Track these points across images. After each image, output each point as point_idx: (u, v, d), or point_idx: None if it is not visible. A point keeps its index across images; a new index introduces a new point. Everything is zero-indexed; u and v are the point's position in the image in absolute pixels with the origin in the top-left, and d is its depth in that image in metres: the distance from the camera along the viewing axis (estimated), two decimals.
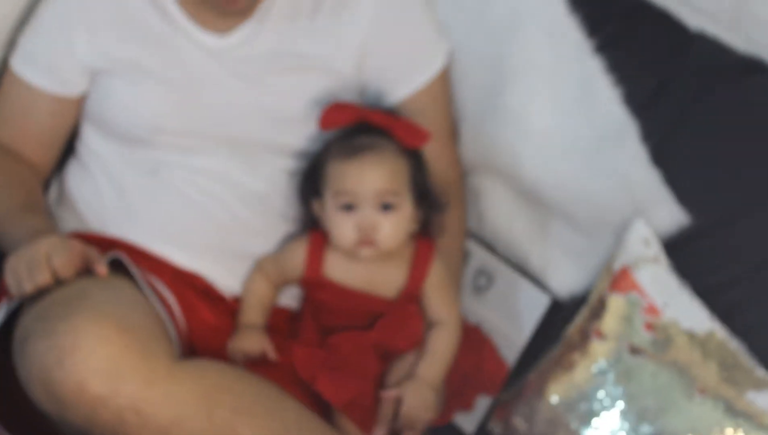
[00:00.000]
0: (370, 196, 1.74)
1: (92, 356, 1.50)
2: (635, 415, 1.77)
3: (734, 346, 1.76)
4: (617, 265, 1.83)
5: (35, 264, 1.62)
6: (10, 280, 1.64)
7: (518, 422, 1.86)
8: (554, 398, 1.82)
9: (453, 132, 1.98)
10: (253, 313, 1.84)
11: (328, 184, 1.77)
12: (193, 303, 1.81)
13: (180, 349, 1.70)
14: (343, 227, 1.76)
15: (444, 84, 1.95)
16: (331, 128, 1.79)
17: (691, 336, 1.77)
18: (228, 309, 1.85)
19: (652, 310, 1.79)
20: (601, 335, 1.81)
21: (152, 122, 1.82)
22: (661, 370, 1.77)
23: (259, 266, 1.85)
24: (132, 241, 1.82)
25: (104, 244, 1.76)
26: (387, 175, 1.75)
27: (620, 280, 1.81)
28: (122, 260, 1.72)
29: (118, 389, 1.51)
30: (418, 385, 1.79)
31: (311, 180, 1.81)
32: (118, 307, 1.60)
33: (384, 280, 1.81)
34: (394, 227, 1.76)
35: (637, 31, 1.88)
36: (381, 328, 1.81)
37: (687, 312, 1.78)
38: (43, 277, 1.62)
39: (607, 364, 1.80)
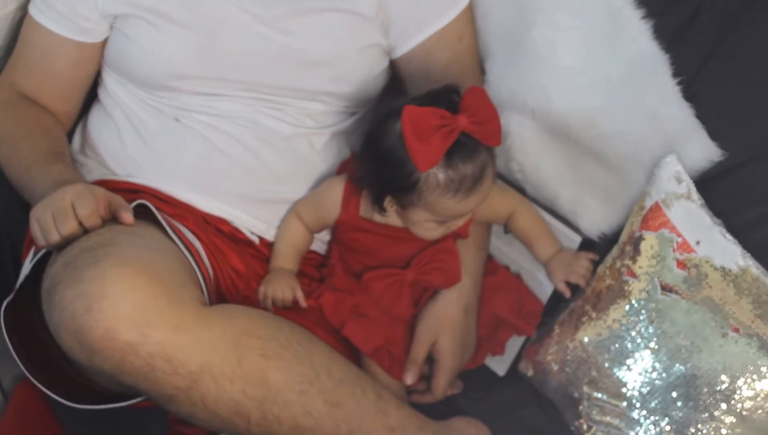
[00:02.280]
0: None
1: (121, 303, 1.50)
2: (668, 354, 1.77)
3: None
4: (648, 203, 1.82)
5: (61, 213, 1.62)
6: (35, 230, 1.64)
7: (550, 363, 1.86)
8: (586, 338, 1.82)
9: (480, 70, 1.96)
10: (286, 259, 1.85)
11: (429, 208, 1.71)
12: (221, 248, 1.81)
13: (208, 295, 1.70)
14: (432, 232, 1.77)
15: (468, 22, 1.93)
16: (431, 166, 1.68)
17: (725, 273, 1.75)
18: (255, 253, 1.86)
19: (684, 247, 1.78)
20: (633, 274, 1.80)
21: (173, 68, 1.81)
22: (694, 308, 1.76)
23: (295, 211, 1.85)
24: (157, 187, 1.82)
25: (129, 191, 1.76)
26: (488, 191, 1.74)
27: (652, 217, 1.80)
28: (148, 206, 1.72)
29: (147, 336, 1.51)
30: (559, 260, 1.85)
31: (395, 186, 1.72)
32: (145, 253, 1.59)
33: None
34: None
35: None
36: (417, 265, 1.81)
37: (720, 249, 1.76)
38: (70, 226, 1.62)
39: (639, 303, 1.79)
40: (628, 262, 1.81)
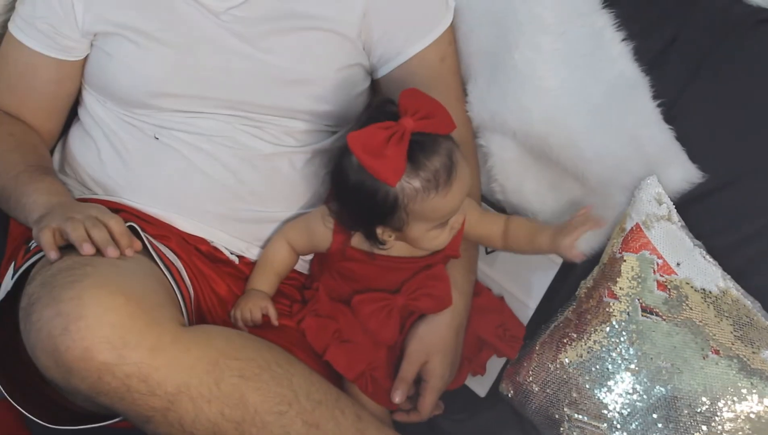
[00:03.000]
0: (462, 204, 1.72)
1: (98, 324, 1.49)
2: (648, 375, 1.76)
3: (749, 304, 1.74)
4: (629, 224, 1.81)
5: (92, 221, 1.61)
6: (47, 239, 1.61)
7: (530, 384, 1.85)
8: (566, 359, 1.81)
9: (461, 92, 1.95)
10: (263, 281, 1.83)
11: (422, 217, 1.67)
12: (202, 270, 1.80)
13: (189, 316, 1.69)
14: (439, 239, 1.72)
15: (450, 43, 1.92)
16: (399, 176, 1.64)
17: (705, 295, 1.75)
18: (235, 272, 1.84)
19: (665, 268, 1.77)
20: (613, 295, 1.79)
21: (152, 86, 1.80)
22: (675, 330, 1.75)
23: (284, 234, 1.83)
24: (137, 206, 1.81)
25: (109, 210, 1.74)
26: (468, 174, 1.70)
27: (633, 239, 1.80)
28: (134, 228, 1.70)
29: (124, 356, 1.49)
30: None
31: (376, 215, 1.69)
32: (124, 274, 1.58)
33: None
34: (465, 208, 1.76)
35: None
36: (407, 291, 1.79)
37: (700, 270, 1.76)
38: (105, 235, 1.61)
39: (619, 324, 1.78)
40: (608, 283, 1.81)
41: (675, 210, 1.79)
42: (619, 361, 1.77)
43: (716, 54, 1.78)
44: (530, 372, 1.86)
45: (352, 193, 1.66)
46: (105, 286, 1.52)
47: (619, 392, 1.77)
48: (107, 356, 1.49)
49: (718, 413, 1.73)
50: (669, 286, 1.77)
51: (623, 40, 1.81)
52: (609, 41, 1.83)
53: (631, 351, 1.77)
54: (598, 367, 1.79)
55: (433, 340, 1.82)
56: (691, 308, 1.75)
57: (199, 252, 1.81)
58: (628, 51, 1.81)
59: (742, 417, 1.72)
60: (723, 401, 1.72)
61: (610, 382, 1.78)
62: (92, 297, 1.50)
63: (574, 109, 1.83)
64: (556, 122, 1.84)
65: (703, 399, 1.73)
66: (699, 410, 1.73)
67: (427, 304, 1.81)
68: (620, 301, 1.79)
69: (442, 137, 1.64)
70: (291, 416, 1.60)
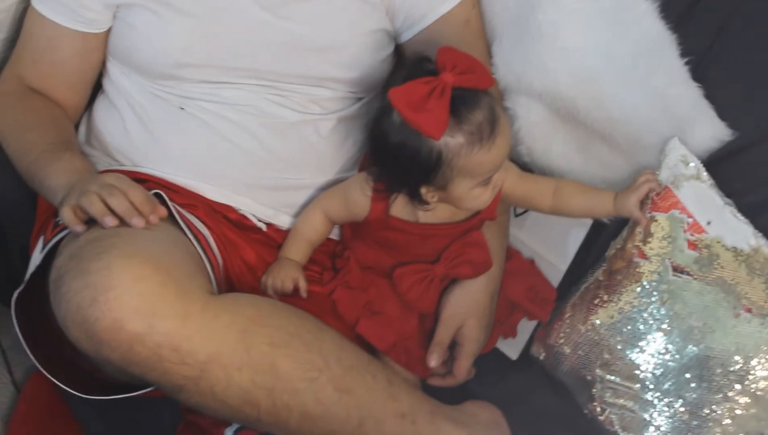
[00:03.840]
0: (505, 160, 1.69)
1: (127, 294, 1.48)
2: (681, 335, 1.74)
3: None
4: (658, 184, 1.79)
5: (108, 190, 1.60)
6: (70, 216, 1.60)
7: (562, 346, 1.83)
8: (598, 321, 1.79)
9: (487, 54, 1.93)
10: (296, 250, 1.82)
11: (466, 174, 1.64)
12: (230, 238, 1.79)
13: (217, 285, 1.68)
14: (483, 197, 1.69)
15: (474, 5, 1.90)
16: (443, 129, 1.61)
17: (737, 253, 1.73)
18: (264, 239, 1.83)
19: (695, 227, 1.75)
20: (644, 255, 1.77)
21: (176, 56, 1.78)
22: (706, 289, 1.73)
23: (321, 205, 1.82)
24: (163, 176, 1.79)
25: (135, 181, 1.72)
26: (510, 130, 1.69)
27: (662, 198, 1.77)
28: (160, 196, 1.70)
29: (154, 326, 1.49)
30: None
31: (421, 173, 1.66)
32: (152, 244, 1.56)
33: (457, 210, 1.77)
34: (508, 166, 1.74)
35: None
36: (446, 259, 1.78)
37: (731, 229, 1.73)
38: (125, 203, 1.59)
39: (650, 284, 1.76)
40: (638, 243, 1.78)
41: (703, 169, 1.76)
42: (651, 322, 1.75)
43: (744, 10, 1.74)
44: (561, 334, 1.84)
45: (394, 154, 1.63)
46: (133, 256, 1.51)
47: (651, 352, 1.75)
48: (137, 326, 1.48)
49: (752, 371, 1.71)
50: (700, 245, 1.74)
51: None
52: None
53: (663, 311, 1.75)
54: (629, 327, 1.77)
55: (469, 305, 1.81)
56: (722, 267, 1.73)
57: (227, 220, 1.80)
58: (653, 8, 1.77)
59: None
60: (756, 360, 1.70)
61: (642, 343, 1.76)
62: (120, 267, 1.49)
63: (601, 70, 1.79)
64: (583, 83, 1.81)
65: (736, 358, 1.71)
66: (732, 369, 1.71)
67: (466, 270, 1.79)
68: (651, 262, 1.76)
69: (481, 92, 1.62)
70: (322, 382, 1.59)
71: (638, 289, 1.77)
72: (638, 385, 1.76)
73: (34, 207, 1.86)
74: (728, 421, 1.73)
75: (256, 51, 1.79)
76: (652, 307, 1.75)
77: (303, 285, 1.78)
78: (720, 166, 1.77)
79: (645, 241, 1.77)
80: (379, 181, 1.72)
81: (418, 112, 1.56)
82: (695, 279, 1.74)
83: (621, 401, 1.78)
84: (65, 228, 1.64)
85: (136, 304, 1.48)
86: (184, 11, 1.77)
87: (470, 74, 1.60)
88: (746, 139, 1.76)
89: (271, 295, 1.77)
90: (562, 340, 1.84)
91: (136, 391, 1.66)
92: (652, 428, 1.77)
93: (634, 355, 1.77)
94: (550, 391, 1.86)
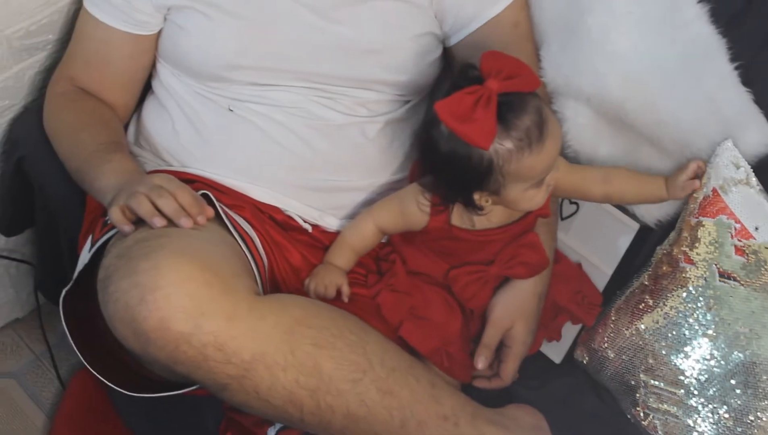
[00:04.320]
0: (556, 160, 1.68)
1: (174, 294, 1.49)
2: (726, 341, 1.72)
3: None
4: (706, 189, 1.77)
5: (158, 192, 1.61)
6: (118, 217, 1.61)
7: (606, 351, 1.82)
8: (643, 326, 1.78)
9: (536, 58, 1.92)
10: (342, 257, 1.81)
11: (519, 178, 1.64)
12: (276, 239, 1.79)
13: (263, 285, 1.68)
14: (537, 198, 1.69)
15: (523, 8, 1.89)
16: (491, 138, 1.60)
17: None
18: (310, 240, 1.83)
19: (743, 233, 1.73)
20: (690, 261, 1.75)
21: (226, 59, 1.79)
22: (753, 295, 1.71)
23: (373, 216, 1.81)
24: (211, 177, 1.80)
25: (184, 181, 1.73)
26: (560, 131, 1.68)
27: (710, 203, 1.76)
28: (208, 196, 1.70)
29: (201, 326, 1.49)
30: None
31: (473, 181, 1.65)
32: (199, 244, 1.57)
33: (512, 211, 1.76)
34: (559, 166, 1.73)
35: None
36: (501, 261, 1.78)
37: None
38: (173, 204, 1.60)
39: (696, 290, 1.74)
40: (685, 248, 1.76)
41: (753, 174, 1.74)
42: (696, 327, 1.73)
43: None
44: (605, 338, 1.83)
45: (445, 163, 1.63)
46: (180, 256, 1.52)
47: (696, 358, 1.73)
48: (184, 326, 1.49)
49: None
50: (747, 251, 1.72)
51: (699, 1, 1.75)
52: (684, 3, 1.77)
53: (709, 317, 1.73)
54: (674, 332, 1.75)
55: (518, 307, 1.80)
56: None
57: (273, 221, 1.80)
58: (704, 12, 1.75)
59: None
60: None
61: (687, 348, 1.74)
62: (168, 267, 1.50)
63: (650, 73, 1.78)
64: (631, 87, 1.79)
65: None
66: None
67: (521, 271, 1.79)
68: (697, 267, 1.74)
69: (528, 95, 1.61)
70: (365, 384, 1.59)
71: (684, 295, 1.75)
72: (682, 391, 1.75)
73: (83, 205, 1.87)
74: None
75: (305, 54, 1.79)
76: (697, 312, 1.74)
77: (346, 290, 1.78)
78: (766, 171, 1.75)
79: (692, 247, 1.76)
80: (433, 192, 1.72)
81: (465, 123, 1.56)
82: (742, 285, 1.72)
83: (665, 407, 1.76)
84: (114, 227, 1.65)
85: (183, 304, 1.49)
86: (234, 14, 1.77)
87: (516, 78, 1.59)
88: None
89: (313, 298, 1.77)
90: (606, 345, 1.83)
91: (180, 389, 1.66)
92: (695, 434, 1.75)
93: (679, 361, 1.75)
94: (593, 396, 1.84)
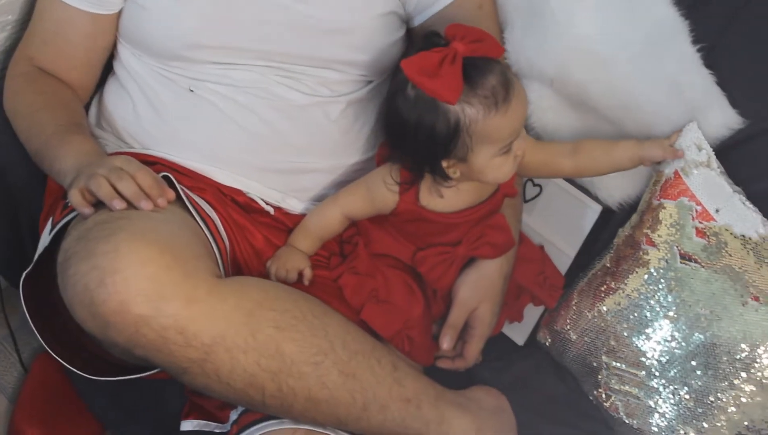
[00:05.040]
0: (522, 126, 1.67)
1: (134, 276, 1.47)
2: (687, 323, 1.72)
3: None
4: (668, 171, 1.77)
5: (117, 174, 1.58)
6: (77, 199, 1.59)
7: (568, 332, 1.82)
8: (605, 307, 1.78)
9: (500, 39, 1.91)
10: (305, 242, 1.80)
11: (485, 140, 1.63)
12: (238, 221, 1.77)
13: (225, 268, 1.66)
14: (504, 167, 1.67)
15: None
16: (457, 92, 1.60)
17: (745, 241, 1.71)
18: (272, 222, 1.82)
19: (704, 215, 1.73)
20: (652, 243, 1.75)
21: (188, 38, 1.76)
22: (714, 277, 1.71)
23: (340, 203, 1.79)
24: (173, 159, 1.78)
25: (145, 163, 1.71)
26: (527, 98, 1.67)
27: (671, 185, 1.76)
28: (169, 179, 1.68)
29: (161, 308, 1.48)
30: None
31: (439, 146, 1.65)
32: (159, 226, 1.55)
33: (480, 189, 1.75)
34: (525, 139, 1.71)
35: None
36: (468, 241, 1.77)
37: (740, 217, 1.71)
38: (133, 187, 1.58)
39: (658, 272, 1.74)
40: (647, 230, 1.76)
41: (714, 156, 1.74)
42: (658, 309, 1.73)
43: None
44: (568, 320, 1.82)
45: (412, 131, 1.62)
46: (140, 238, 1.49)
47: (657, 340, 1.73)
48: (144, 309, 1.47)
49: (758, 360, 1.69)
50: (708, 233, 1.72)
51: None
52: None
53: (670, 298, 1.73)
54: (636, 314, 1.75)
55: (484, 286, 1.79)
56: (730, 255, 1.71)
57: (235, 203, 1.78)
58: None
59: None
60: (763, 348, 1.68)
61: (649, 330, 1.74)
62: (127, 250, 1.47)
63: (613, 57, 1.78)
64: (595, 69, 1.79)
65: (743, 346, 1.69)
66: (738, 357, 1.69)
67: (488, 252, 1.78)
68: (658, 249, 1.74)
69: (493, 60, 1.61)
70: (327, 366, 1.58)
71: (645, 276, 1.75)
72: (644, 372, 1.75)
73: (43, 188, 1.85)
74: (733, 408, 1.71)
75: (268, 33, 1.76)
76: (659, 294, 1.74)
77: (308, 274, 1.76)
78: (730, 153, 1.75)
79: (653, 229, 1.76)
80: (402, 166, 1.71)
81: (431, 78, 1.56)
82: (703, 267, 1.72)
83: (626, 388, 1.77)
84: (74, 210, 1.62)
85: (142, 287, 1.47)
86: None
87: (481, 43, 1.59)
88: (757, 127, 1.74)
89: (274, 281, 1.76)
90: (568, 327, 1.82)
91: (142, 372, 1.64)
92: (656, 415, 1.75)
93: (641, 342, 1.75)
94: (555, 377, 1.84)
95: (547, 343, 1.87)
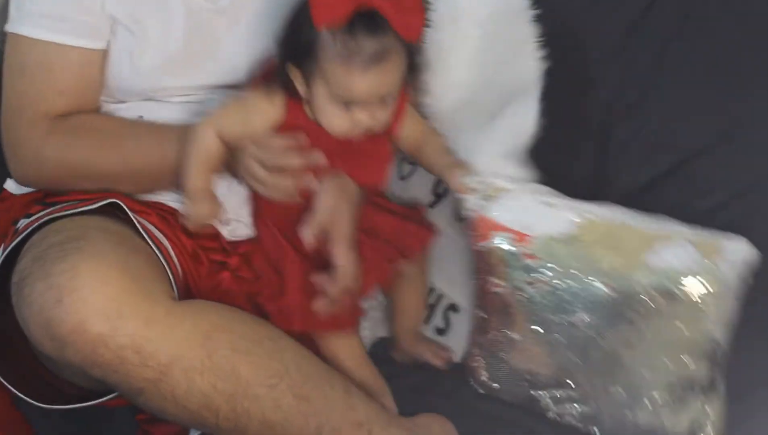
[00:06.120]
0: (373, 100, 1.64)
1: (92, 296, 1.47)
2: (584, 340, 1.70)
3: (617, 217, 1.67)
4: (469, 214, 1.74)
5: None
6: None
7: (490, 382, 1.83)
8: (503, 354, 1.79)
9: None
10: (201, 176, 1.71)
11: (325, 80, 1.61)
12: (184, 242, 1.77)
13: (177, 291, 1.66)
14: (338, 119, 1.65)
15: None
16: (329, 22, 1.58)
17: (568, 238, 1.67)
18: (218, 246, 1.82)
19: (521, 238, 1.69)
20: (500, 285, 1.74)
21: (154, 80, 1.76)
22: (573, 285, 1.68)
23: (215, 121, 1.69)
24: None
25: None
26: (392, 81, 1.64)
27: (479, 228, 1.72)
28: (117, 204, 1.68)
29: (118, 328, 1.47)
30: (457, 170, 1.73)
31: (294, 48, 1.63)
32: (116, 248, 1.55)
33: None
34: (387, 114, 1.68)
35: None
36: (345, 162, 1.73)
37: (550, 219, 1.69)
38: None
39: (527, 307, 1.73)
40: (488, 277, 1.75)
41: (505, 179, 1.72)
42: (552, 334, 1.73)
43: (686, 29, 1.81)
44: (483, 372, 1.83)
45: (290, 22, 1.63)
46: (98, 259, 1.50)
47: (567, 361, 1.73)
48: (101, 328, 1.47)
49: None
50: (537, 253, 1.69)
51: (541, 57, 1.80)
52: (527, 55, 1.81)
53: (555, 319, 1.71)
54: (539, 349, 1.74)
55: (343, 189, 1.74)
56: (567, 257, 1.68)
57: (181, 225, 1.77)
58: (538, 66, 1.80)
59: None
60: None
61: (557, 355, 1.73)
62: (86, 269, 1.48)
63: (471, 110, 1.81)
64: (453, 118, 1.82)
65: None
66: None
67: (359, 175, 1.75)
68: (512, 289, 1.73)
69: (393, 32, 1.59)
70: (282, 389, 1.58)
71: (524, 318, 1.74)
72: (574, 386, 1.74)
73: None
74: (656, 392, 1.69)
75: (239, 70, 1.79)
76: (542, 326, 1.73)
77: (220, 216, 1.76)
78: (669, 178, 1.80)
79: (491, 275, 1.74)
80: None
81: None
82: (558, 281, 1.69)
83: (567, 406, 1.76)
84: (25, 231, 1.62)
85: (101, 306, 1.47)
86: (163, 35, 1.75)
87: (402, 14, 1.58)
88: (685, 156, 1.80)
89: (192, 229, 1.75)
90: (487, 377, 1.83)
91: (93, 400, 1.63)
92: (603, 416, 1.75)
93: (555, 363, 1.74)
94: (502, 402, 1.84)
95: (485, 392, 1.85)
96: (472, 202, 1.71)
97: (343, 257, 1.68)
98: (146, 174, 1.75)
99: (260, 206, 1.78)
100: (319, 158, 1.67)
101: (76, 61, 1.75)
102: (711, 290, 1.61)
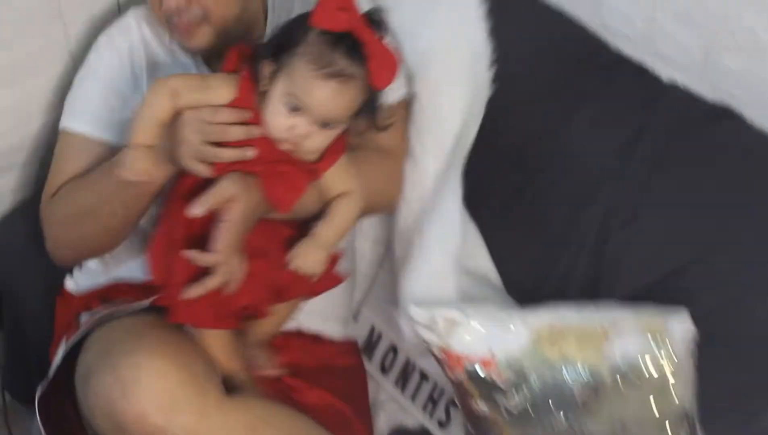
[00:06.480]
0: (319, 116, 1.63)
1: (152, 389, 1.59)
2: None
3: (567, 315, 1.73)
4: (439, 354, 1.80)
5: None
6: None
7: None
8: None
9: None
10: (147, 133, 1.70)
11: (290, 77, 1.63)
12: None
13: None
14: (278, 119, 1.64)
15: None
16: (323, 25, 1.61)
17: (528, 349, 1.73)
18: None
19: (486, 363, 1.75)
20: (480, 409, 1.80)
21: None
22: (538, 390, 1.74)
23: (171, 82, 1.69)
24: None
25: (139, 290, 1.85)
26: (342, 108, 1.64)
27: (448, 364, 1.79)
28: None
29: (174, 420, 1.59)
30: (311, 243, 1.73)
31: (280, 41, 1.64)
32: (173, 344, 1.67)
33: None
34: (322, 142, 1.67)
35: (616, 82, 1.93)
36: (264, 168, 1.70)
37: (506, 338, 1.73)
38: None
39: (510, 417, 1.77)
40: (470, 401, 1.79)
41: (450, 310, 1.75)
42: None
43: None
44: None
45: (282, 25, 1.67)
46: (158, 354, 1.62)
47: None
48: (159, 419, 1.59)
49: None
50: (505, 373, 1.73)
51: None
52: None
53: (539, 424, 1.75)
54: None
55: (245, 183, 1.71)
56: (535, 368, 1.73)
57: None
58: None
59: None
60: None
61: None
62: (148, 364, 1.60)
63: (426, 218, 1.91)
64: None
65: None
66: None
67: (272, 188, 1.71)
68: (489, 408, 1.78)
69: (364, 72, 1.62)
70: None
71: (511, 433, 1.78)
72: None
73: (52, 312, 1.92)
74: None
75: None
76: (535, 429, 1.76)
77: (157, 174, 1.74)
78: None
79: (470, 399, 1.79)
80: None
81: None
82: (532, 391, 1.74)
83: None
84: (86, 327, 1.73)
85: (159, 399, 1.59)
86: None
87: (383, 61, 1.63)
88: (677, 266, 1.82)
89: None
90: None
91: None
92: None
93: None
94: None
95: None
96: (432, 340, 1.77)
97: (221, 243, 1.65)
98: (117, 198, 1.82)
99: (172, 199, 1.74)
100: (251, 152, 1.67)
101: (100, 151, 1.95)
102: (668, 365, 1.69)
